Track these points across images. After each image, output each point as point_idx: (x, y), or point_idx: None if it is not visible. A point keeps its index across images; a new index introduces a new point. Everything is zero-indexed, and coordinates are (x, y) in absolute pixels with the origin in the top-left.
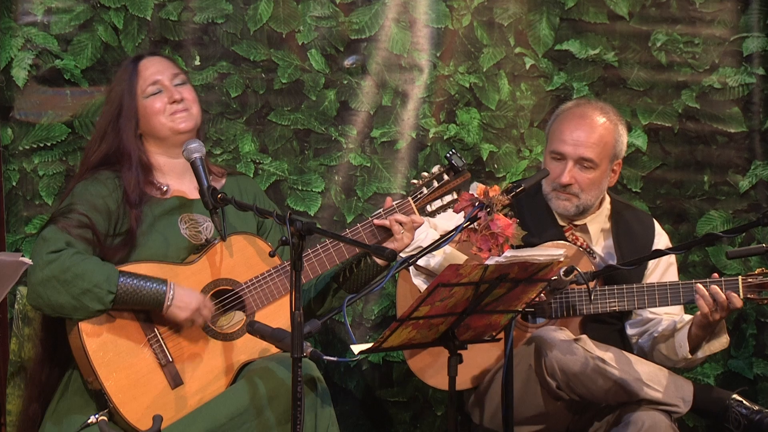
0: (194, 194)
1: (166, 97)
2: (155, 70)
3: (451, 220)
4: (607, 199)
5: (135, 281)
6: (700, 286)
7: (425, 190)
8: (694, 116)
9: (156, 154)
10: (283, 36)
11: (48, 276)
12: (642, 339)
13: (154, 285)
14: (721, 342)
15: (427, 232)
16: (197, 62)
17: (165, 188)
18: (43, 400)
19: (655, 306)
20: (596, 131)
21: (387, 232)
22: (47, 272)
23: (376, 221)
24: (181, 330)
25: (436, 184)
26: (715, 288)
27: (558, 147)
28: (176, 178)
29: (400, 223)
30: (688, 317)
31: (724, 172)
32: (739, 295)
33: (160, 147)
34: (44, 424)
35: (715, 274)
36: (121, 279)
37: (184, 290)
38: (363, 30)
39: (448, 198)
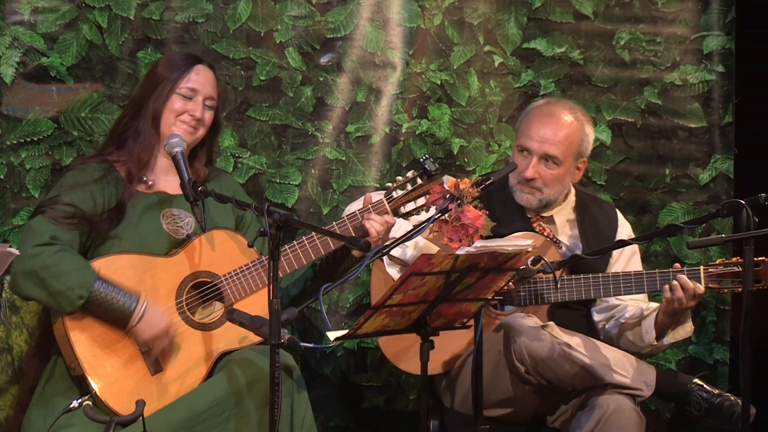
0: (177, 191)
1: (190, 107)
2: (201, 81)
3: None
4: (573, 191)
5: (108, 291)
6: (675, 282)
7: (399, 193)
8: (656, 112)
9: None
10: (262, 35)
11: (29, 269)
12: (609, 325)
13: (125, 301)
14: (686, 330)
15: (400, 224)
16: None
17: (150, 183)
18: (32, 387)
19: (620, 294)
20: (562, 129)
21: (362, 231)
22: (29, 266)
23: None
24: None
25: (409, 187)
26: (683, 278)
27: (524, 142)
28: (161, 175)
29: (379, 223)
30: (654, 305)
31: (685, 165)
32: (700, 284)
33: (162, 138)
34: (30, 408)
35: (677, 264)
36: (96, 285)
37: (156, 313)
38: (338, 29)
39: (421, 201)
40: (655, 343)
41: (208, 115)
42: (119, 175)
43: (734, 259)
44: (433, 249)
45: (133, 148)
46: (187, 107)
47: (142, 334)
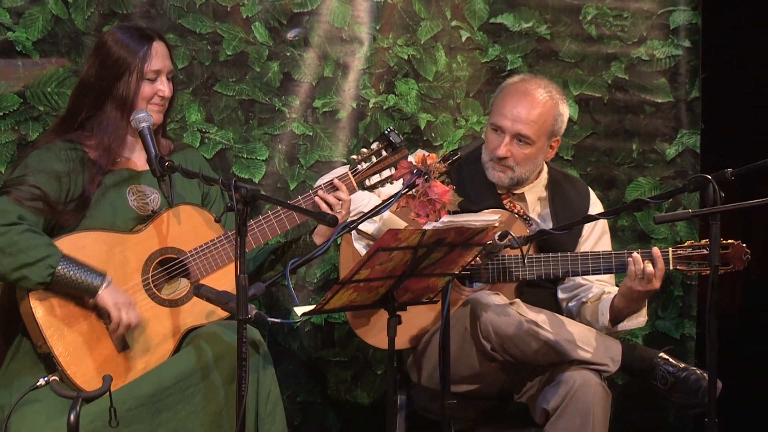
0: (143, 167)
1: (158, 88)
2: (161, 59)
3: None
4: (545, 168)
5: (75, 268)
6: (635, 254)
7: (364, 165)
8: (623, 87)
9: None
10: (228, 9)
11: None
12: (571, 303)
13: (92, 278)
14: (639, 320)
15: (369, 198)
16: None
17: (118, 160)
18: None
19: (588, 273)
20: (536, 109)
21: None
22: None
23: (315, 199)
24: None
25: (374, 159)
26: (647, 264)
27: (498, 120)
28: (128, 152)
29: (331, 203)
30: (617, 289)
31: (652, 140)
32: (668, 266)
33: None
34: None
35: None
36: (62, 263)
37: (117, 291)
38: (305, 3)
39: (386, 173)
40: (609, 327)
41: (170, 87)
42: (89, 159)
43: (703, 242)
44: (398, 222)
45: (102, 137)
46: (156, 90)
47: (106, 300)
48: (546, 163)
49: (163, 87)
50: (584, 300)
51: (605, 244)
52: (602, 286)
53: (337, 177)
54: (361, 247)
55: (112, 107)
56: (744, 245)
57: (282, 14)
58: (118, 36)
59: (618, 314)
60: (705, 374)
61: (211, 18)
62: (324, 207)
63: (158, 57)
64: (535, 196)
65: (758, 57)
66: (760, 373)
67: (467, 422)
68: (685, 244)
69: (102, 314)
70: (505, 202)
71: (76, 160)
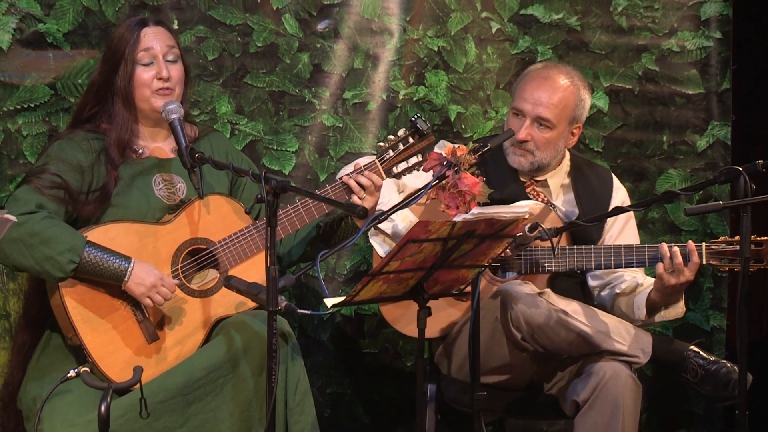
0: (167, 155)
1: (155, 71)
2: (152, 40)
3: (419, 178)
4: (567, 155)
5: (99, 254)
6: (663, 245)
7: (391, 153)
8: (654, 78)
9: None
10: (258, 1)
11: (15, 237)
12: (604, 292)
13: (117, 261)
14: (677, 311)
15: (390, 197)
16: (175, 26)
17: (141, 150)
18: (26, 357)
19: (621, 267)
20: (557, 93)
21: (348, 191)
22: (15, 233)
23: (344, 178)
24: None
25: (401, 146)
26: (675, 250)
27: (518, 104)
28: (150, 140)
29: (364, 185)
30: (650, 280)
31: (683, 132)
32: (702, 260)
33: (139, 113)
34: (26, 380)
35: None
36: (87, 250)
37: (144, 267)
38: None
39: (413, 160)
40: (645, 319)
41: (176, 70)
42: (107, 151)
43: (736, 238)
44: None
45: (113, 131)
46: (152, 72)
47: (135, 289)
48: (568, 150)
49: (160, 69)
50: (618, 291)
51: (631, 230)
52: (634, 277)
53: (364, 165)
54: (376, 243)
55: (118, 100)
56: None
57: (312, 6)
58: (118, 29)
59: (654, 307)
60: (735, 367)
61: (241, 9)
62: (356, 188)
63: (147, 38)
64: (557, 183)
65: None
66: None
67: (497, 414)
68: (719, 240)
69: (131, 304)
70: (528, 189)
71: (98, 150)
